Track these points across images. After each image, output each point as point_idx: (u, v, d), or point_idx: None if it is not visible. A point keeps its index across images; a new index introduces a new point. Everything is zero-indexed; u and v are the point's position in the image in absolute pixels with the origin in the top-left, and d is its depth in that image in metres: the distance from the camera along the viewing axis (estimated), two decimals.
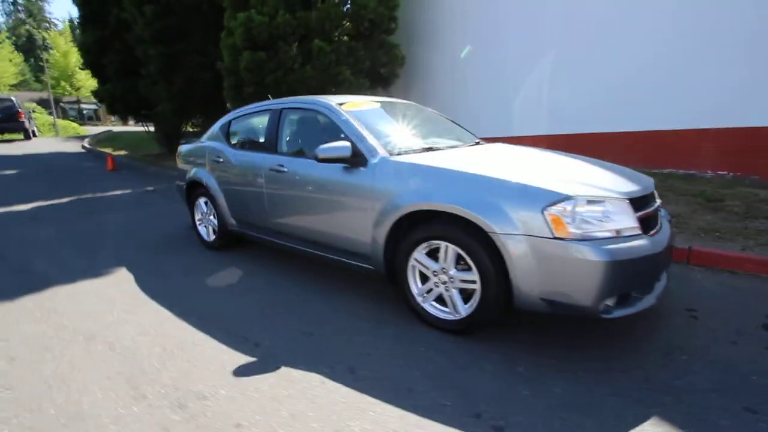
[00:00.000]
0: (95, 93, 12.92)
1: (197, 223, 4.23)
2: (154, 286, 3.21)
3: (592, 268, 1.87)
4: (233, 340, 2.37)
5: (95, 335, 2.46)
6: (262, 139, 3.45)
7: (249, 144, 3.63)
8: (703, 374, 1.93)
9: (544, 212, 1.94)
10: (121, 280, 3.38)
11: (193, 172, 4.09)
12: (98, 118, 39.06)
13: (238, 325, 2.53)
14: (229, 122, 3.84)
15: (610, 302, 1.97)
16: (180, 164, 4.42)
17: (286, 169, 3.05)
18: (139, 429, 1.68)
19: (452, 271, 2.26)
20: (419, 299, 2.44)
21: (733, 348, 2.14)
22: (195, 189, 4.14)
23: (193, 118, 11.83)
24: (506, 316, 2.31)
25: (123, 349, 2.29)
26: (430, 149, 2.75)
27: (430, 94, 9.76)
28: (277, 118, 3.31)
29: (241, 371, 2.06)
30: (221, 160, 3.72)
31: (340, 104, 2.97)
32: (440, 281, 2.32)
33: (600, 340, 2.23)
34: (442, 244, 2.26)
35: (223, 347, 2.28)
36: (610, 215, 2.00)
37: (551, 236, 1.92)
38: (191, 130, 13.99)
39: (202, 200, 4.08)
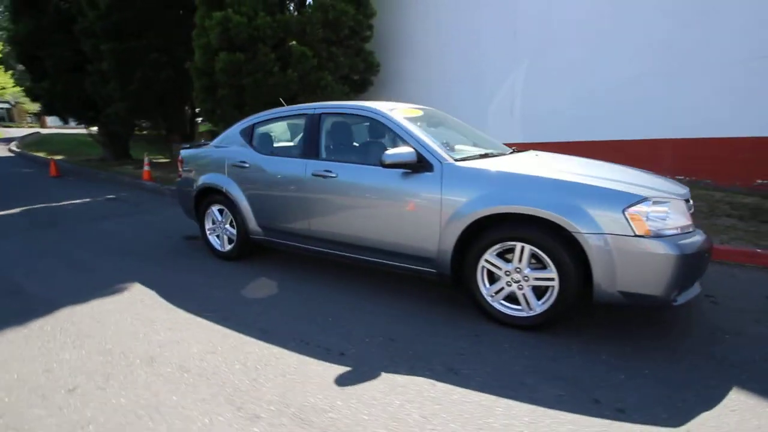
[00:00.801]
0: (29, 91, 11.49)
1: (207, 232, 3.98)
2: (185, 301, 2.99)
3: (668, 261, 2.10)
4: (315, 350, 2.30)
5: (154, 357, 2.25)
6: (297, 144, 3.36)
7: (281, 149, 3.51)
8: (750, 348, 2.24)
9: (625, 212, 2.14)
10: (142, 296, 3.10)
11: (205, 178, 3.85)
12: (11, 119, 34.57)
13: (310, 336, 2.46)
14: (252, 126, 3.68)
15: (676, 291, 2.22)
16: (183, 171, 4.14)
17: (335, 175, 3.01)
18: None
19: (527, 270, 2.40)
20: (489, 299, 2.55)
21: (760, 325, 2.50)
22: (206, 196, 3.90)
23: (150, 119, 10.95)
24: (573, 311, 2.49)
25: (199, 370, 2.12)
26: (486, 155, 2.88)
27: (404, 101, 9.98)
28: (316, 123, 3.25)
29: (343, 381, 2.01)
30: (247, 165, 3.55)
31: (391, 110, 3.01)
32: (513, 280, 2.45)
33: (647, 329, 2.48)
34: (518, 244, 2.38)
35: (310, 359, 2.21)
36: (673, 214, 2.26)
37: (632, 234, 2.12)
38: (143, 133, 12.97)
39: (215, 208, 3.86)
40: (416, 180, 2.68)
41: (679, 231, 2.22)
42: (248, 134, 3.69)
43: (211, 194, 3.87)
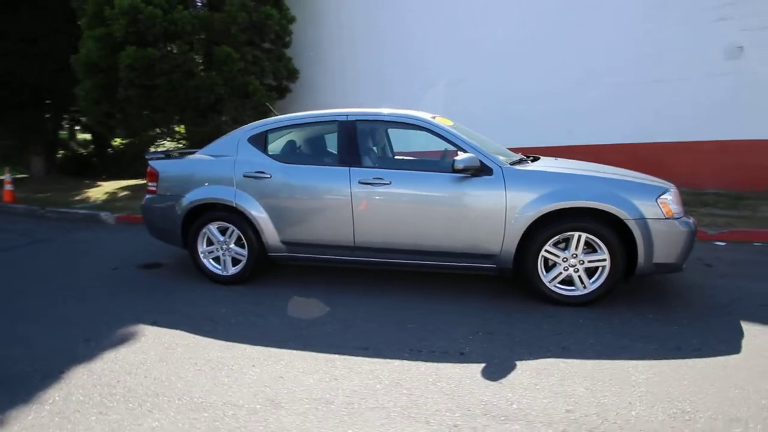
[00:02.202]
0: None
1: (201, 255, 3.42)
2: (230, 333, 2.60)
3: (685, 236, 2.76)
4: (435, 355, 2.29)
5: (272, 398, 1.93)
6: (328, 152, 3.16)
7: (308, 157, 3.23)
8: (749, 297, 3.00)
9: (657, 200, 2.73)
10: (166, 337, 2.56)
11: (200, 193, 3.32)
12: None
13: (415, 343, 2.42)
14: (265, 133, 3.31)
15: (685, 259, 2.91)
16: (159, 186, 3.46)
17: (387, 182, 2.97)
18: None
19: (582, 255, 2.82)
20: (549, 285, 2.89)
21: (753, 278, 3.39)
22: (200, 215, 3.36)
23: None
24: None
25: (342, 399, 1.91)
26: (523, 160, 3.22)
27: (319, 107, 9.89)
28: (351, 130, 3.14)
29: (492, 375, 2.08)
30: (266, 175, 3.19)
31: (433, 118, 3.13)
32: (569, 265, 2.84)
33: (659, 293, 3.15)
34: (575, 234, 2.79)
35: (440, 364, 2.20)
36: (677, 201, 2.95)
37: (664, 217, 2.72)
38: None
39: (213, 227, 3.35)
40: (477, 183, 2.88)
41: (682, 214, 2.93)
42: (261, 141, 3.32)
43: (209, 211, 3.35)
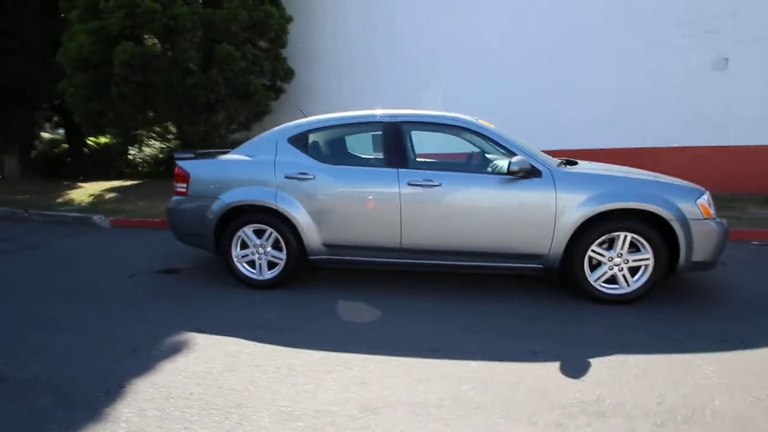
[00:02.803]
0: None
1: (235, 260, 3.29)
2: (291, 339, 2.51)
3: (721, 235, 2.92)
4: (511, 355, 2.30)
5: (367, 404, 1.87)
6: (372, 153, 3.12)
7: (352, 158, 3.17)
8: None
9: (696, 202, 2.87)
10: (225, 345, 2.45)
11: (239, 194, 3.20)
12: None
13: (484, 344, 2.43)
14: (306, 133, 3.23)
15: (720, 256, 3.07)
16: (191, 188, 3.31)
17: (437, 183, 2.97)
18: None
19: (626, 255, 2.92)
20: (594, 284, 2.97)
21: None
22: (235, 217, 3.24)
23: None
24: None
25: (435, 405, 1.88)
26: (568, 163, 3.29)
27: (311, 111, 9.78)
28: (397, 132, 3.13)
29: (578, 372, 2.12)
30: (309, 176, 3.11)
31: (477, 120, 3.15)
32: (614, 264, 2.94)
33: (682, 290, 3.30)
34: (621, 234, 2.88)
35: (521, 363, 2.21)
36: (711, 203, 3.10)
37: (702, 218, 2.86)
38: None
39: (249, 230, 3.23)
40: (527, 185, 2.92)
41: (716, 215, 3.09)
42: (302, 142, 3.24)
43: (245, 214, 3.23)
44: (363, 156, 3.46)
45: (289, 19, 8.27)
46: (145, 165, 9.83)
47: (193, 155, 3.48)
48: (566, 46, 7.48)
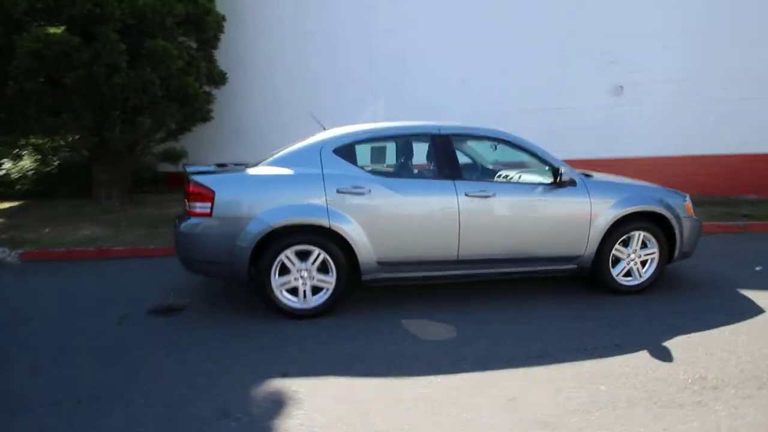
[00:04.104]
0: None
1: (274, 289, 2.87)
2: (393, 368, 2.35)
3: (699, 230, 3.62)
4: (608, 351, 2.50)
5: (543, 420, 1.84)
6: (421, 164, 3.02)
7: (405, 170, 3.01)
8: (733, 274, 3.93)
9: (684, 203, 3.51)
10: (336, 384, 2.17)
11: (285, 213, 2.82)
12: None
13: (576, 344, 2.59)
14: (353, 145, 2.97)
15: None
16: (217, 207, 2.79)
17: (492, 194, 3.05)
18: None
19: (640, 251, 3.40)
20: (616, 278, 3.39)
21: (724, 261, 4.43)
22: (277, 239, 2.84)
23: None
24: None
25: (602, 410, 1.94)
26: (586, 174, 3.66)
27: (246, 116, 9.09)
28: (447, 144, 3.13)
29: (666, 357, 2.39)
30: (364, 190, 2.88)
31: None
32: (630, 260, 3.40)
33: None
34: (635, 233, 3.36)
35: (622, 357, 2.42)
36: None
37: (688, 216, 3.50)
38: None
39: (290, 252, 2.86)
40: (567, 193, 3.21)
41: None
42: (349, 153, 2.99)
43: (287, 234, 2.85)
44: (413, 168, 3.37)
45: (222, 18, 7.53)
46: (25, 182, 7.77)
47: (212, 169, 2.94)
48: (501, 65, 8.31)
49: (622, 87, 7.87)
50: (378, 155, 3.33)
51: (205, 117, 6.87)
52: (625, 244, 3.38)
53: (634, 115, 8.02)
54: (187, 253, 2.95)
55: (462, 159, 3.45)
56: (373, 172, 3.07)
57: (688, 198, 3.62)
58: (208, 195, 2.83)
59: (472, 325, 2.87)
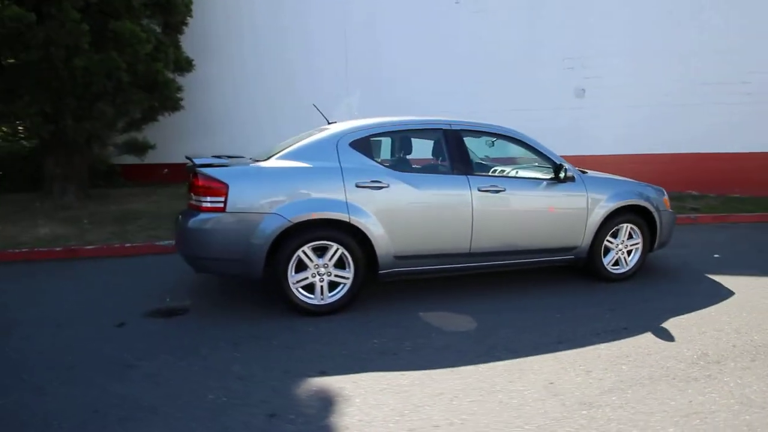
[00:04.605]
0: None
1: (291, 286, 2.77)
2: (428, 361, 2.39)
3: (674, 221, 3.97)
4: (620, 333, 2.69)
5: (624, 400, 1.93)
6: (435, 159, 3.04)
7: (418, 165, 2.98)
8: (697, 261, 4.43)
9: (663, 197, 3.83)
10: (381, 378, 2.15)
11: (305, 207, 2.74)
12: None
13: (585, 329, 2.75)
14: (368, 138, 2.91)
15: None
16: (231, 202, 2.63)
17: (502, 188, 3.14)
18: None
19: (627, 241, 3.68)
20: (608, 267, 3.64)
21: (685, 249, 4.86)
22: (294, 234, 2.74)
23: None
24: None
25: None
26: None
27: (214, 107, 8.66)
28: (458, 139, 3.19)
29: (681, 334, 2.61)
30: (384, 184, 2.85)
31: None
32: (618, 250, 3.67)
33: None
34: (624, 225, 3.63)
35: (638, 338, 2.61)
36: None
37: (666, 209, 3.83)
38: None
39: (308, 248, 2.78)
40: (567, 188, 3.40)
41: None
42: (366, 147, 2.94)
43: (305, 229, 2.76)
44: (429, 163, 3.37)
45: (190, 2, 7.07)
46: None
47: (222, 161, 2.76)
48: (474, 65, 8.54)
49: (583, 90, 8.42)
50: (391, 149, 3.32)
51: (174, 106, 6.43)
52: (614, 235, 3.65)
53: (594, 116, 8.61)
54: (194, 251, 2.77)
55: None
56: (390, 166, 3.06)
57: (665, 193, 3.97)
58: (221, 189, 2.66)
59: (488, 315, 2.97)
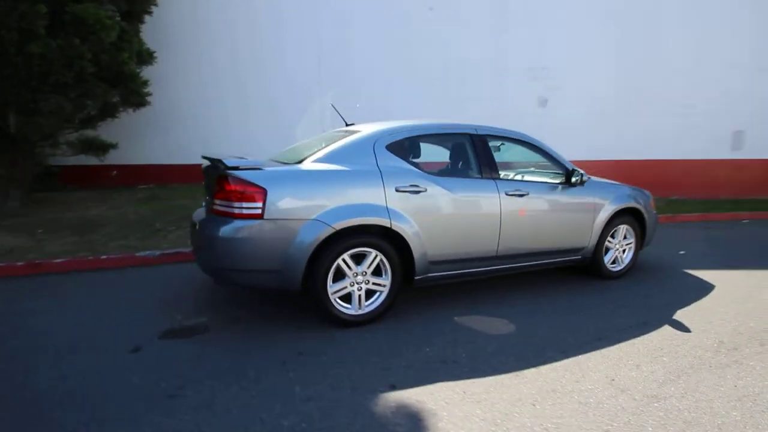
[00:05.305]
0: None
1: (331, 295, 2.63)
2: (495, 366, 2.40)
3: (657, 221, 4.34)
4: (643, 328, 2.87)
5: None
6: (463, 164, 3.03)
7: (453, 170, 2.95)
8: (670, 258, 4.88)
9: (650, 200, 4.17)
10: (465, 387, 2.10)
11: (347, 213, 2.61)
12: None
13: (613, 324, 2.92)
14: (404, 141, 2.83)
15: None
16: (270, 208, 2.43)
17: (526, 192, 3.23)
18: None
19: (622, 241, 3.95)
20: (608, 265, 3.89)
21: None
22: (336, 241, 2.59)
23: None
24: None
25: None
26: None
27: (177, 104, 8.03)
28: (484, 144, 3.24)
29: (693, 321, 2.84)
30: (422, 189, 2.78)
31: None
32: (617, 249, 3.94)
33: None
34: (621, 226, 3.91)
35: (661, 331, 2.80)
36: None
37: (652, 210, 4.18)
38: None
39: (347, 256, 2.65)
40: (578, 192, 3.59)
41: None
42: (401, 150, 2.86)
43: (346, 237, 2.62)
44: (457, 167, 3.35)
45: None
46: None
47: (254, 164, 2.53)
48: (438, 74, 8.74)
49: (546, 99, 8.98)
50: (423, 153, 3.27)
51: (140, 102, 5.83)
52: (612, 236, 3.92)
53: (555, 123, 9.20)
54: (224, 263, 2.50)
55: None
56: (426, 170, 3.01)
57: (650, 195, 4.34)
58: (258, 194, 2.45)
59: (520, 317, 3.03)
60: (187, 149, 8.02)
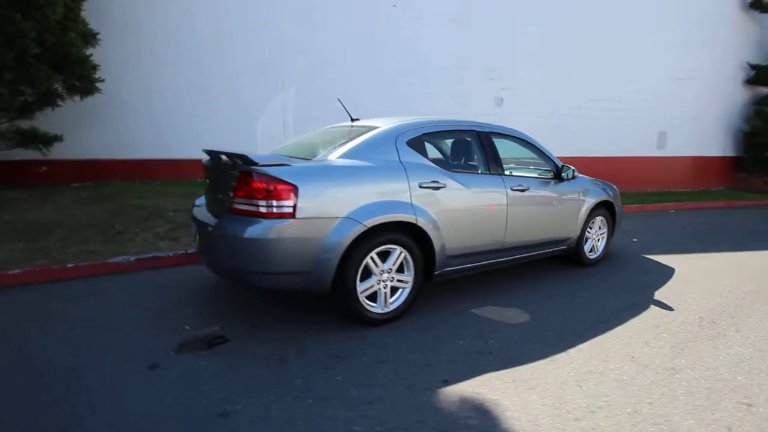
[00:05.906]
0: None
1: (360, 294, 2.57)
2: (527, 355, 2.52)
3: (622, 211, 4.78)
4: (635, 309, 3.14)
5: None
6: (472, 160, 3.08)
7: (465, 165, 2.97)
8: (631, 246, 5.37)
9: (617, 194, 4.59)
10: (514, 376, 2.18)
11: (376, 210, 2.56)
12: None
13: (608, 308, 3.19)
14: (422, 137, 2.80)
15: None
16: (302, 207, 2.30)
17: (527, 187, 3.39)
18: None
19: (599, 231, 4.31)
20: (587, 254, 4.21)
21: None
22: (367, 239, 2.54)
23: None
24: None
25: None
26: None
27: (126, 92, 7.26)
28: (489, 141, 3.35)
29: (683, 306, 3.17)
30: (441, 185, 2.79)
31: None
32: (593, 239, 4.29)
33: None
34: (597, 218, 4.27)
35: (652, 311, 3.10)
36: None
37: (618, 203, 4.60)
38: None
39: (374, 254, 2.60)
40: (568, 186, 3.85)
41: None
42: (420, 146, 2.84)
43: (374, 234, 2.57)
44: (468, 163, 3.39)
45: None
46: None
47: (279, 159, 2.36)
48: (402, 72, 8.82)
49: (502, 99, 9.46)
50: (441, 149, 3.29)
51: (88, 89, 5.17)
52: (590, 227, 4.27)
53: (512, 122, 9.70)
54: (250, 265, 2.33)
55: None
56: (442, 166, 3.04)
57: (617, 189, 4.79)
58: (288, 192, 2.31)
59: (530, 306, 3.19)
60: (139, 142, 7.31)
